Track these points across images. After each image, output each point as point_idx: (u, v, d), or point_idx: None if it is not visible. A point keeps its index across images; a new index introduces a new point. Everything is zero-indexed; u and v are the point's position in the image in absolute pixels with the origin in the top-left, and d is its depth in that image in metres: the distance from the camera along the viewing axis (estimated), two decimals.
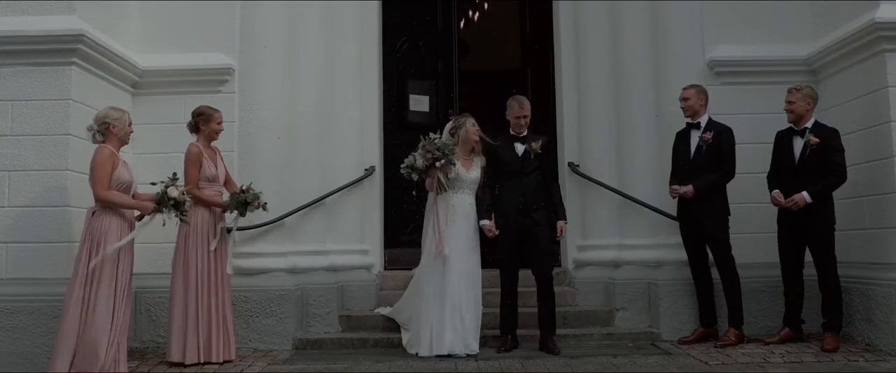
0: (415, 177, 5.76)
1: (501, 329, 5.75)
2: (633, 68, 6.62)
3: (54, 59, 5.46)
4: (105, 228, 4.93)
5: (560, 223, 5.80)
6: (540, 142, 5.82)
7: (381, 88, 7.16)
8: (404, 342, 5.82)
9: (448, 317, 5.56)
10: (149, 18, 6.40)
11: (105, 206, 4.97)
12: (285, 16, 6.52)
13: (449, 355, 5.50)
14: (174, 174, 5.24)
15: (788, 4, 6.48)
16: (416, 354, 5.59)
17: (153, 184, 5.20)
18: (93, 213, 5.00)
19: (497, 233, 5.67)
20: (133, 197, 5.17)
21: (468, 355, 5.52)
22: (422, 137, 5.76)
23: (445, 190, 5.74)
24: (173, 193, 5.11)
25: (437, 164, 5.63)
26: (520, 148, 5.78)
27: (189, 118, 5.64)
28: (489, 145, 5.92)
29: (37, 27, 5.43)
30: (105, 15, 5.93)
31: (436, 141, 5.68)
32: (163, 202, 5.11)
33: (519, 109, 5.80)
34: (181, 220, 5.24)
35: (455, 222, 5.70)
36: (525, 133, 5.85)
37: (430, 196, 5.89)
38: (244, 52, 6.42)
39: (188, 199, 5.25)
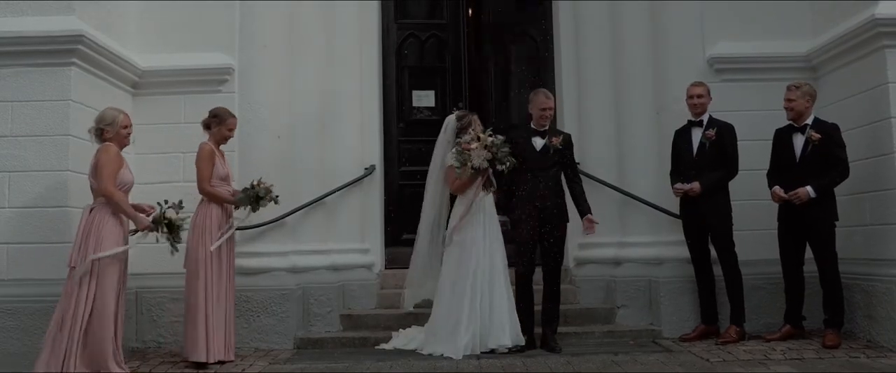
0: (466, 173, 5.52)
1: (520, 329, 5.64)
2: (633, 66, 6.62)
3: (54, 59, 5.45)
4: (104, 226, 4.91)
5: (588, 217, 5.72)
6: (561, 137, 5.74)
7: (381, 87, 7.16)
8: (417, 347, 5.69)
9: (466, 315, 5.44)
10: (149, 18, 6.39)
11: (107, 202, 4.96)
12: (285, 15, 6.52)
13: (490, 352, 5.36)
14: (180, 202, 5.21)
15: (788, 2, 6.47)
16: (441, 354, 5.41)
17: (159, 205, 5.20)
18: (90, 210, 4.98)
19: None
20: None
21: (483, 353, 5.39)
22: (441, 133, 5.77)
23: (490, 191, 5.65)
24: (171, 214, 5.13)
25: (500, 166, 5.50)
26: (539, 143, 5.70)
27: (201, 117, 5.60)
28: (508, 138, 5.82)
29: (36, 28, 5.42)
30: (105, 15, 5.93)
31: (495, 141, 5.49)
32: (159, 222, 5.14)
33: (545, 100, 5.68)
34: (171, 244, 5.22)
35: (477, 217, 5.60)
36: (547, 127, 5.76)
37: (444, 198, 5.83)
38: (244, 52, 6.42)
39: (185, 224, 5.25)
